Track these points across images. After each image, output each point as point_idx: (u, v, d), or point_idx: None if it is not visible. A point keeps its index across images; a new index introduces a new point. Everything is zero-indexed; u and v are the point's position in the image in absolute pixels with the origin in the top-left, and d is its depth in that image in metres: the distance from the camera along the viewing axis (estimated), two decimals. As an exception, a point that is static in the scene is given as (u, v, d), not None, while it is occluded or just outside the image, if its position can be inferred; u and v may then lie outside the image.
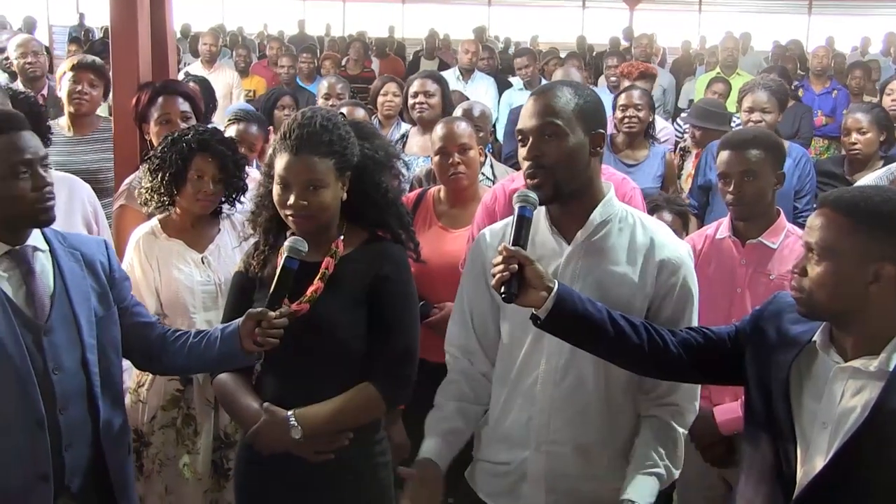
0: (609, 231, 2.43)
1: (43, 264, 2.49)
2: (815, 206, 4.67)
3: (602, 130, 2.41)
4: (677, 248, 2.47)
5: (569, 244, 2.43)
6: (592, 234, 2.42)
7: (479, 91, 8.19)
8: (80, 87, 4.79)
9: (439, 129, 3.69)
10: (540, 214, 2.46)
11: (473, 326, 2.59)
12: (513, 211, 2.32)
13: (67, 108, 4.90)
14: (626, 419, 2.48)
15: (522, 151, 2.39)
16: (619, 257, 2.42)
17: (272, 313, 2.48)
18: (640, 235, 2.44)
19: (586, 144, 2.37)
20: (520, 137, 2.41)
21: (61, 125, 4.90)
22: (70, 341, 2.47)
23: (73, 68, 4.89)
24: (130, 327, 2.67)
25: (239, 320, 2.56)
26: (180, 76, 7.01)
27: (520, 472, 2.49)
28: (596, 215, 2.42)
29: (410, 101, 5.34)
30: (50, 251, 2.52)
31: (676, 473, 2.46)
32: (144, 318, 2.75)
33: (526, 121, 2.39)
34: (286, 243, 2.54)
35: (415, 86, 5.36)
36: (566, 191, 2.37)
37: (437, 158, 3.66)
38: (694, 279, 2.47)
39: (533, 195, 2.32)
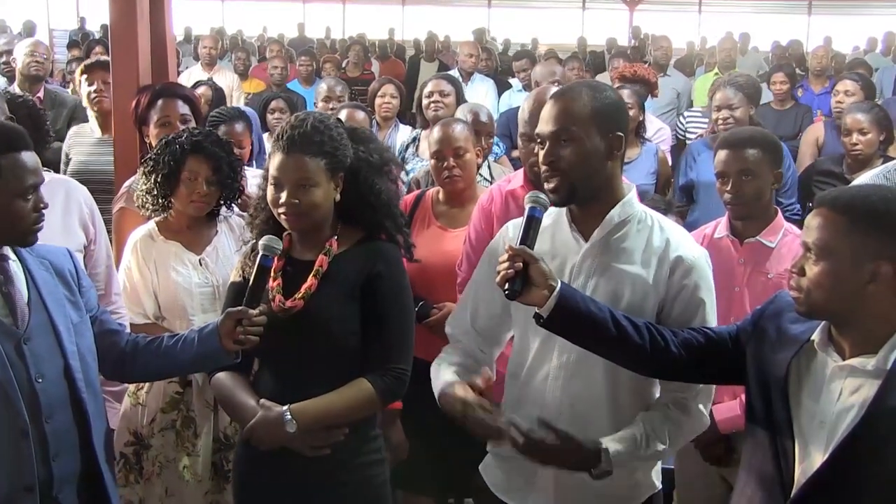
0: (627, 231, 2.45)
1: (15, 272, 2.45)
2: (797, 199, 4.69)
3: (620, 133, 2.42)
4: (692, 251, 2.47)
5: (587, 241, 2.45)
6: (610, 233, 2.44)
7: (479, 93, 8.21)
8: (95, 87, 4.89)
9: (436, 132, 3.71)
10: (561, 213, 2.50)
11: (478, 315, 2.62)
12: (522, 211, 2.35)
13: (91, 111, 4.99)
14: (635, 415, 2.48)
15: (540, 155, 2.42)
16: (633, 257, 2.43)
17: (252, 311, 2.51)
18: (657, 237, 2.46)
19: (602, 148, 2.39)
20: (539, 140, 2.45)
21: (91, 129, 4.97)
22: (50, 349, 2.42)
23: (84, 70, 4.96)
24: (99, 336, 2.62)
25: (216, 320, 2.58)
26: (184, 79, 7.05)
27: (531, 467, 2.50)
28: (614, 215, 2.44)
29: (425, 101, 5.39)
30: (19, 259, 2.47)
31: (657, 446, 2.41)
32: (113, 325, 2.72)
33: (543, 125, 2.42)
34: (261, 241, 2.58)
35: (430, 86, 5.45)
36: (582, 194, 2.40)
37: (433, 161, 3.68)
38: (709, 284, 2.46)
39: (544, 197, 2.36)
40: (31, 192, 2.40)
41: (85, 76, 4.94)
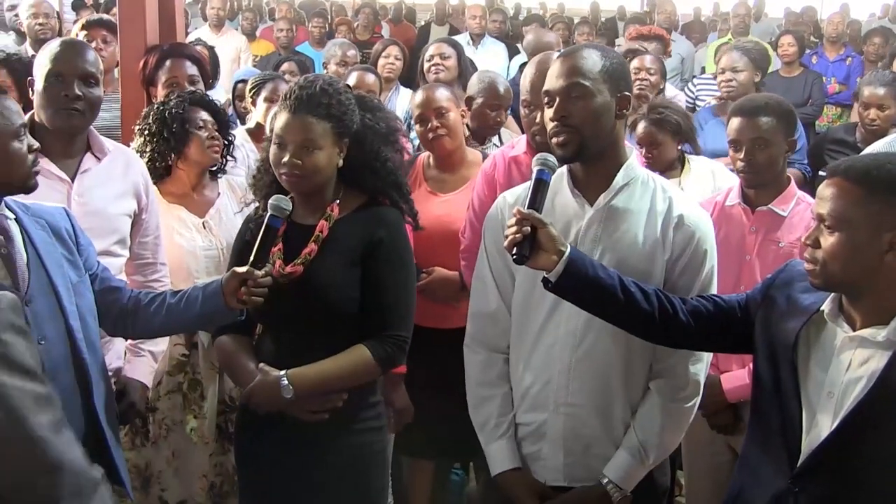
0: (631, 194, 2.44)
1: (14, 232, 2.39)
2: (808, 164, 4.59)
3: (628, 93, 2.42)
4: (695, 213, 2.47)
5: (591, 206, 2.43)
6: (615, 197, 2.43)
7: (489, 56, 8.08)
8: (93, 45, 4.76)
9: (416, 97, 3.69)
10: (562, 177, 2.46)
11: (500, 293, 2.58)
12: (524, 178, 2.32)
13: None
14: (643, 381, 2.49)
15: (549, 112, 2.39)
16: (639, 220, 2.42)
17: (258, 272, 2.49)
18: (661, 199, 2.45)
19: (612, 106, 2.38)
20: (546, 99, 2.41)
21: None
22: (51, 309, 2.37)
23: (84, 27, 4.88)
24: (100, 293, 2.59)
25: (220, 278, 2.56)
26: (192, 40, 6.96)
27: (539, 433, 2.51)
28: (619, 178, 2.42)
29: (426, 65, 5.33)
30: (16, 220, 2.42)
31: (653, 453, 2.48)
32: (113, 282, 2.69)
33: (553, 81, 2.39)
34: (270, 202, 2.56)
35: (431, 49, 5.40)
36: (590, 151, 2.38)
37: (417, 126, 3.65)
38: (711, 245, 2.46)
39: (552, 159, 2.33)
40: (23, 132, 2.36)
41: (85, 32, 4.84)
